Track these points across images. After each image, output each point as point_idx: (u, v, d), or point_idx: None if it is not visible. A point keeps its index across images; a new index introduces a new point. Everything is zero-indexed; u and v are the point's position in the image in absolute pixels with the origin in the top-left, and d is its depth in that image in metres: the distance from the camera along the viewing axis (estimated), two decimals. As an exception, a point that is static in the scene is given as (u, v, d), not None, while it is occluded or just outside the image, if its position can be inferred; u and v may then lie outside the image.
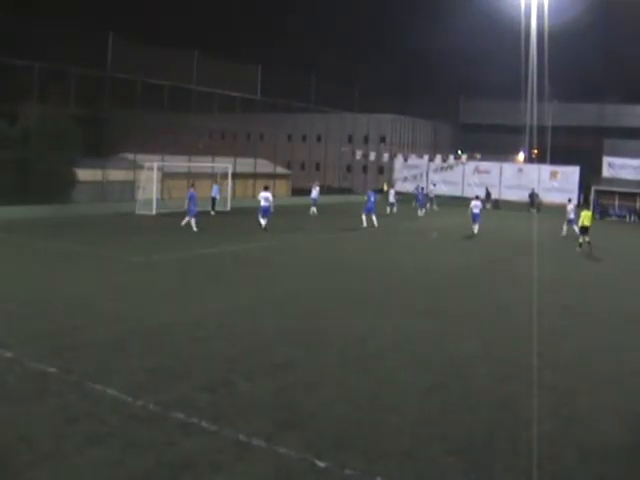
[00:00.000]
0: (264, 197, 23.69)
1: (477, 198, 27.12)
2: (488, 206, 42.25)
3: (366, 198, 27.18)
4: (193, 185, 24.90)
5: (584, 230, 21.91)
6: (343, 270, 16.46)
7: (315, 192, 33.02)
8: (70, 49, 26.31)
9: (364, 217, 26.55)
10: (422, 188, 39.27)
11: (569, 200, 27.47)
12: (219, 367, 8.29)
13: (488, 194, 43.61)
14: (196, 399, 7.15)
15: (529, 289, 14.62)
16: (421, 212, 34.84)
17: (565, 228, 26.30)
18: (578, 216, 23.56)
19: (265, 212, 23.50)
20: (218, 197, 30.47)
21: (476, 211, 25.80)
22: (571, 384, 8.36)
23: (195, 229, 22.54)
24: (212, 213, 29.52)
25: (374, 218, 26.49)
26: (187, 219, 23.12)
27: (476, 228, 25.62)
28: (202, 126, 44.04)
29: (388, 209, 34.70)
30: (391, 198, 35.56)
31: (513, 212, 40.42)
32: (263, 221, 23.41)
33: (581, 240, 21.95)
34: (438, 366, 8.79)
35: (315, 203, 32.43)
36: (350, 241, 22.92)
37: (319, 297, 13.05)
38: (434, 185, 43.85)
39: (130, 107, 32.54)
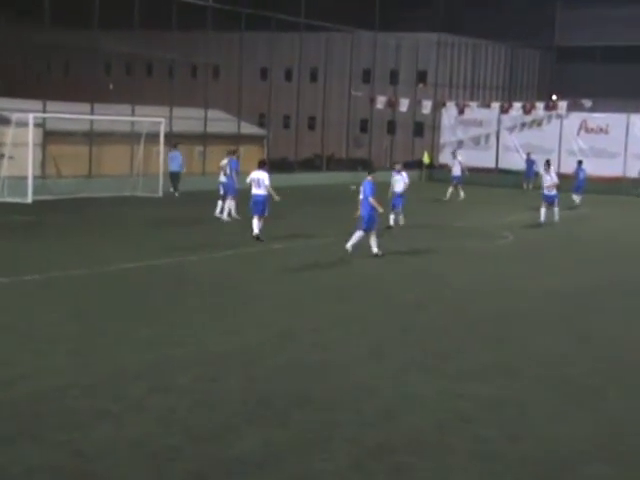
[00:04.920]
0: (256, 180, 23.37)
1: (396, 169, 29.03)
2: None
3: (228, 169, 27.92)
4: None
5: None
6: (352, 298, 16.55)
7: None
8: None
9: (230, 202, 27.67)
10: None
11: (454, 153, 37.88)
12: (142, 468, 8.24)
13: None
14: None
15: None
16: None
17: (449, 190, 35.02)
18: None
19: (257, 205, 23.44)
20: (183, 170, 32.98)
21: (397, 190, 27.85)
22: None
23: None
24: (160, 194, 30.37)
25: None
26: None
27: (396, 219, 28.29)
28: (113, 51, 44.05)
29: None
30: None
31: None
32: (258, 223, 23.20)
33: None
34: (517, 463, 8.74)
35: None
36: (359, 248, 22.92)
37: (313, 343, 13.13)
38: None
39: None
